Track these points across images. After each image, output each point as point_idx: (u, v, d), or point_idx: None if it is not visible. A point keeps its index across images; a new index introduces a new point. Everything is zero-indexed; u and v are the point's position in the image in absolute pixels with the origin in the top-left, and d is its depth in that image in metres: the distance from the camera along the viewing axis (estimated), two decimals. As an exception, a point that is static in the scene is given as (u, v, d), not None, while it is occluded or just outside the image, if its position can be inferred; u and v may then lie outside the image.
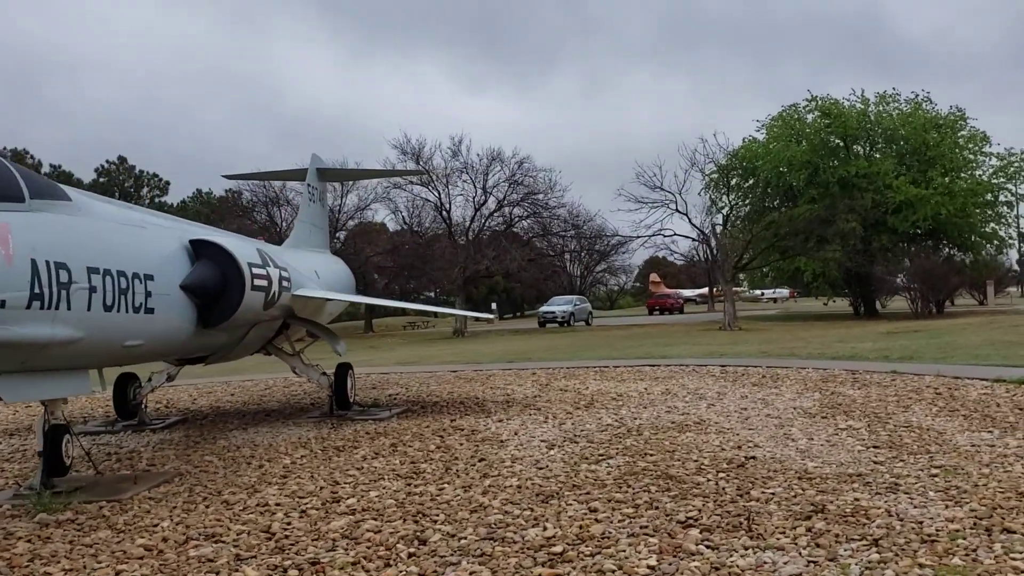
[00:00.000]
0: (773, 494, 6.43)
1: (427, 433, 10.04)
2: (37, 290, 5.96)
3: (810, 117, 46.88)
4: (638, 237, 39.96)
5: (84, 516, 6.47)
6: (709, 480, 6.96)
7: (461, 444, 9.20)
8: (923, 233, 43.20)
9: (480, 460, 8.22)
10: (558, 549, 5.20)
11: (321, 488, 7.23)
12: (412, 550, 5.33)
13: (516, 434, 9.72)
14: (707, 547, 5.17)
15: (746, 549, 5.11)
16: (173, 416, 12.80)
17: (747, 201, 48.48)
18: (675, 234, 38.45)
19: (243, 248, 9.51)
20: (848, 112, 45.23)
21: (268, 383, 17.84)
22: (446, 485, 7.14)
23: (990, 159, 44.29)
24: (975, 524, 5.37)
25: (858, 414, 10.20)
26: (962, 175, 44.04)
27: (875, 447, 8.13)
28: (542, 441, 9.18)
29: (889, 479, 6.75)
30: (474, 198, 42.73)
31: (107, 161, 67.27)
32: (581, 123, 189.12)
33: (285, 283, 10.35)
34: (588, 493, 6.65)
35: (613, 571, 4.82)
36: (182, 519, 6.28)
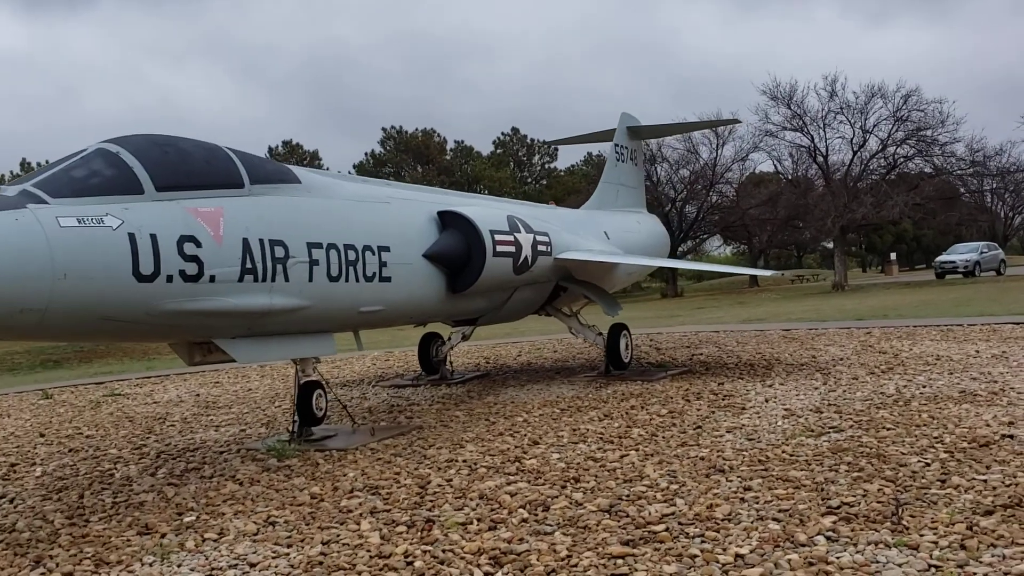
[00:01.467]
0: (985, 481, 5.39)
1: (678, 396, 9.78)
2: (249, 265, 6.90)
3: None
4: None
5: (303, 463, 7.41)
6: (922, 462, 6.00)
7: (699, 410, 8.84)
8: None
9: (696, 428, 7.86)
10: (659, 528, 4.90)
11: (516, 447, 7.47)
12: (527, 515, 5.36)
13: (768, 401, 9.09)
14: (827, 538, 4.54)
15: (868, 544, 4.40)
16: (475, 371, 13.85)
17: None
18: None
19: (489, 216, 9.97)
20: None
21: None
22: (632, 452, 6.98)
23: None
24: None
25: None
26: None
27: None
28: (786, 409, 8.51)
29: None
30: (851, 139, 39.44)
31: (502, 133, 73.06)
32: (1013, 46, 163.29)
33: (543, 247, 10.65)
34: (766, 469, 6.10)
35: (694, 556, 4.45)
36: (369, 470, 6.92)
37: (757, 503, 5.29)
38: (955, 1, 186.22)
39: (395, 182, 10.88)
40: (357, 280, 8.13)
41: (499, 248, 9.73)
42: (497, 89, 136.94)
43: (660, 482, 5.94)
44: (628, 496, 5.62)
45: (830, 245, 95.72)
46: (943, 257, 45.47)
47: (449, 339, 12.99)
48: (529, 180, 70.08)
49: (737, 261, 73.10)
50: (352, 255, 8.06)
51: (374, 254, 8.38)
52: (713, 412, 8.65)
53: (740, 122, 22.33)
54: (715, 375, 11.51)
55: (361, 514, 5.64)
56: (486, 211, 10.21)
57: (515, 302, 11.14)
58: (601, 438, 7.65)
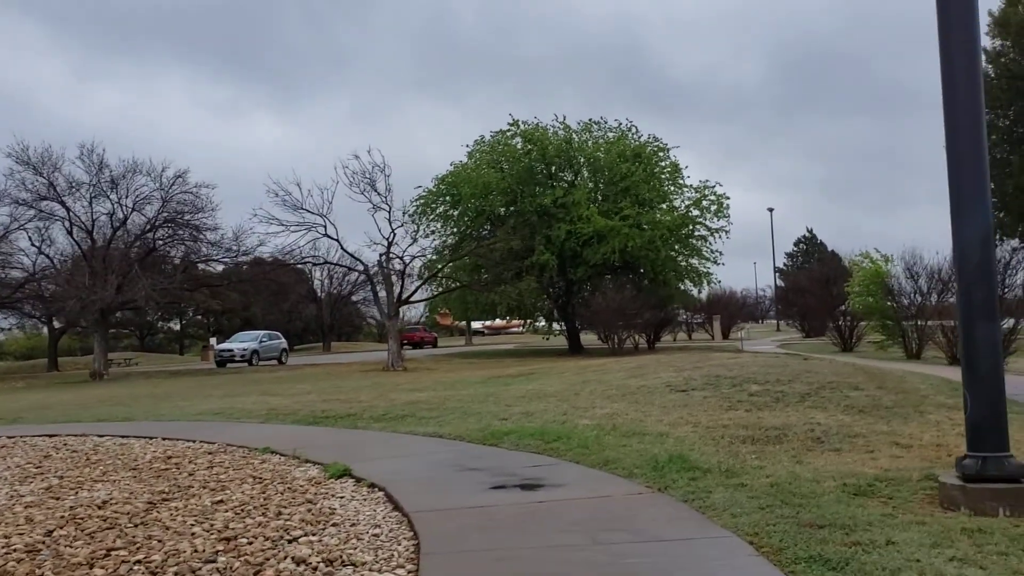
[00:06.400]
0: None
1: None
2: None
3: (517, 142, 44.07)
4: (286, 264, 35.18)
5: None
6: None
7: None
8: (620, 266, 40.91)
9: None
10: None
11: None
12: None
13: None
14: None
15: None
16: None
17: (455, 230, 45.03)
18: (326, 262, 33.90)
19: None
20: (550, 138, 42.79)
21: None
22: None
23: (687, 191, 42.94)
24: None
25: None
26: (661, 207, 42.43)
27: None
28: None
29: None
30: (111, 215, 36.41)
31: None
32: (345, 151, 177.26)
33: None
34: None
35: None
36: None
37: None
38: (301, 103, 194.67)
39: None
40: None
41: None
42: None
43: None
44: None
45: (176, 327, 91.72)
46: (223, 345, 44.55)
47: None
48: None
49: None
50: None
51: None
52: None
53: None
54: None
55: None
56: None
57: None
58: None
